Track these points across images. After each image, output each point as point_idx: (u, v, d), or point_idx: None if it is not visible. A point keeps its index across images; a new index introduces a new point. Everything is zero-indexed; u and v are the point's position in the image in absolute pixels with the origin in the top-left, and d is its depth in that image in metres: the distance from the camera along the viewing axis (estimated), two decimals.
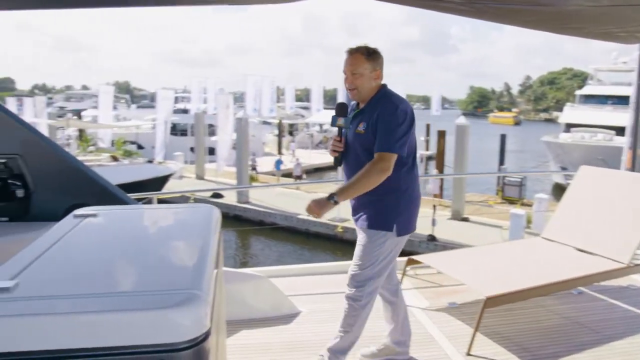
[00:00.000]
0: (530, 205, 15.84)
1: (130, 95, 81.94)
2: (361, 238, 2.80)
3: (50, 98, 60.13)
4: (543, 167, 27.87)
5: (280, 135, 34.67)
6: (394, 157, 2.65)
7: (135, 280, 1.62)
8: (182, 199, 16.47)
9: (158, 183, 18.20)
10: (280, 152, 32.36)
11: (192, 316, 1.36)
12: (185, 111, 35.26)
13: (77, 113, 39.58)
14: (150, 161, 21.22)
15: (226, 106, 23.07)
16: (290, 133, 37.33)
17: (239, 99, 38.87)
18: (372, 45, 2.77)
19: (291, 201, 17.36)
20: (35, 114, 29.74)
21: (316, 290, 4.20)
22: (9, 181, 3.14)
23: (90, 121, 31.84)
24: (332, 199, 2.63)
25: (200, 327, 1.38)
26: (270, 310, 3.71)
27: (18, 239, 2.74)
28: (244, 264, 14.70)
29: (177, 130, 30.57)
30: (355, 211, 2.88)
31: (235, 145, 20.58)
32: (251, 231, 17.15)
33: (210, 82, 37.36)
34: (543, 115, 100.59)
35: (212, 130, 26.39)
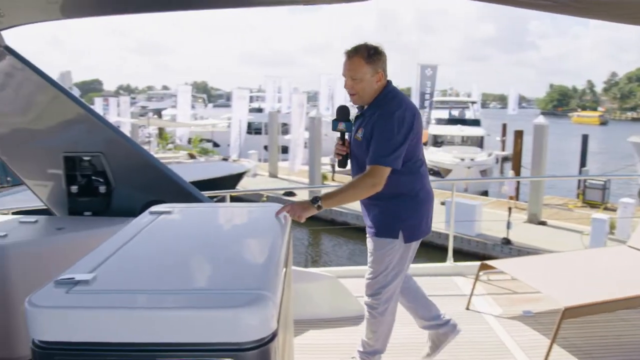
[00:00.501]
0: (614, 210, 14.97)
1: (207, 94, 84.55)
2: (370, 246, 2.76)
3: (134, 98, 63.03)
4: (629, 169, 26.24)
5: None
6: (387, 170, 2.51)
7: (205, 279, 1.65)
8: (256, 196, 16.80)
9: (232, 180, 18.67)
10: None
11: (259, 317, 1.36)
12: (259, 110, 35.91)
13: (158, 112, 41.26)
14: (225, 159, 21.76)
15: (300, 105, 23.29)
16: None
17: (312, 98, 39.16)
18: (374, 43, 2.59)
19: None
20: (119, 113, 31.28)
21: None
22: (93, 178, 3.31)
23: (170, 120, 33.07)
24: (316, 203, 2.48)
25: (267, 328, 1.38)
26: (338, 311, 3.70)
27: (99, 232, 2.87)
28: (314, 263, 14.80)
29: (251, 129, 31.19)
30: (364, 215, 2.83)
31: (308, 144, 20.77)
32: (322, 230, 17.23)
33: (285, 82, 37.85)
34: (630, 115, 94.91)
35: (285, 129, 26.74)
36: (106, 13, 3.15)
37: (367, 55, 2.55)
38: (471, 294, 3.94)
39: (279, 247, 1.93)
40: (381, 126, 2.53)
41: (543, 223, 14.95)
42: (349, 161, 2.82)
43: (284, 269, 1.92)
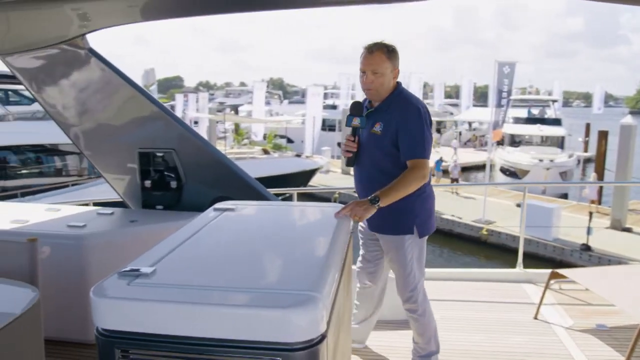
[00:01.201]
0: None
1: (283, 91, 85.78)
2: (386, 247, 2.78)
3: (212, 94, 64.90)
4: None
5: None
6: (428, 162, 2.61)
7: (258, 278, 1.69)
8: (328, 192, 16.89)
9: (304, 177, 18.85)
10: None
11: (307, 318, 1.38)
12: (334, 107, 36.02)
13: (235, 108, 42.38)
14: (298, 155, 21.99)
15: None
16: (438, 130, 36.53)
17: None
18: (391, 42, 2.65)
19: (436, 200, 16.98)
20: (197, 109, 32.38)
21: (449, 297, 4.08)
22: (165, 173, 3.46)
23: (245, 116, 33.85)
24: (375, 202, 2.49)
25: (316, 329, 1.40)
26: (397, 313, 3.65)
27: (169, 226, 3.00)
28: None
29: (325, 126, 31.36)
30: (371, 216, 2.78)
31: None
32: None
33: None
34: None
35: None
36: (183, 15, 3.27)
37: (387, 51, 2.62)
38: (540, 303, 3.78)
39: (337, 248, 1.94)
40: (410, 121, 2.60)
41: (628, 230, 14.12)
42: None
43: (341, 270, 1.93)
